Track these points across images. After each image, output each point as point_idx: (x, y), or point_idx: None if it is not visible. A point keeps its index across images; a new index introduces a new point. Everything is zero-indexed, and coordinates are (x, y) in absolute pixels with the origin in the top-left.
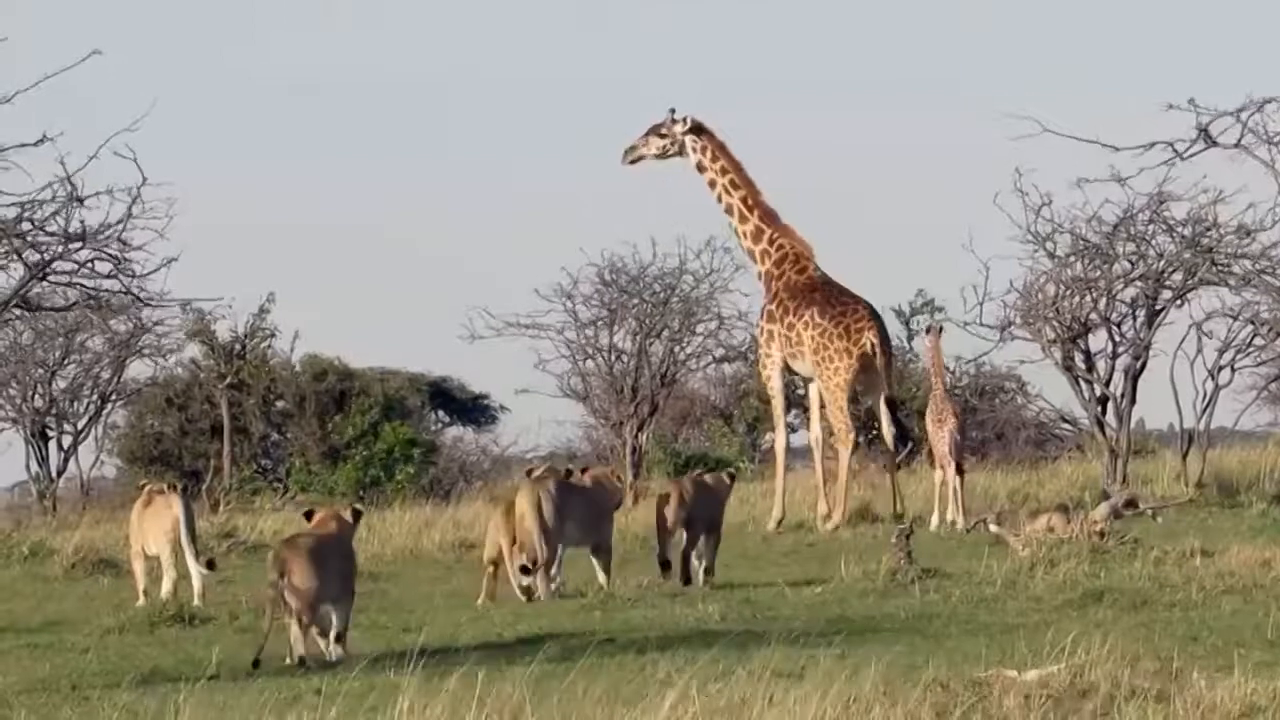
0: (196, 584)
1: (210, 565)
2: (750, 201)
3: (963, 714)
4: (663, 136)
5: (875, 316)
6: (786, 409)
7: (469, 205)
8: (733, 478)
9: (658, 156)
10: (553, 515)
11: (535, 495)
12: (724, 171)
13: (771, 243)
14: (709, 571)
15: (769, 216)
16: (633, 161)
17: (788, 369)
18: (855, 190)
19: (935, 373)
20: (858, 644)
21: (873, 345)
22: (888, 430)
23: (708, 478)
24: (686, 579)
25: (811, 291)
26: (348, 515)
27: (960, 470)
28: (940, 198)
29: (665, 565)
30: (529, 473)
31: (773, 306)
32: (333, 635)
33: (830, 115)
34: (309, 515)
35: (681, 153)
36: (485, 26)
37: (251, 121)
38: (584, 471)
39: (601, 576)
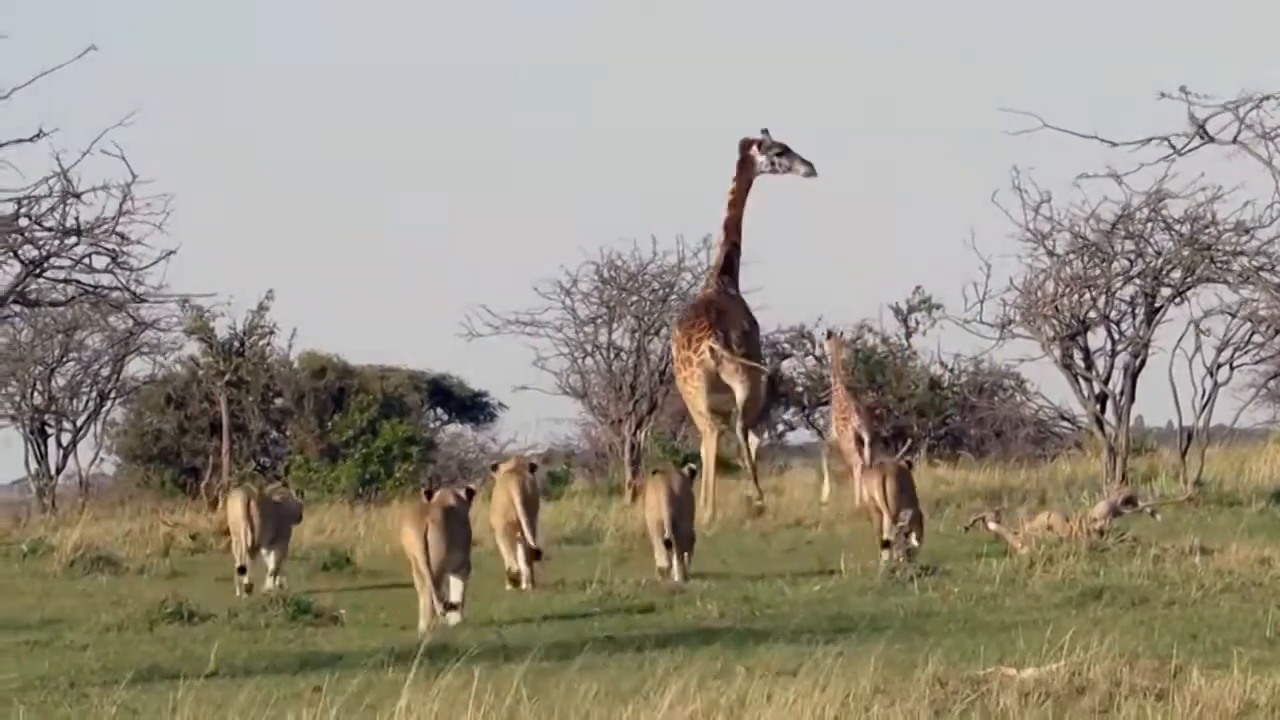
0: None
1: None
2: (728, 222)
3: (961, 711)
4: None
5: (720, 327)
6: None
7: (468, 202)
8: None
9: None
10: (531, 504)
11: (521, 484)
12: (733, 191)
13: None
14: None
15: (727, 232)
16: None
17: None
18: (856, 186)
19: (835, 374)
20: (856, 641)
21: (711, 351)
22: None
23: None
24: (908, 552)
25: (688, 306)
26: (464, 494)
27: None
28: (942, 194)
29: (886, 545)
30: (494, 467)
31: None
32: (451, 601)
33: (830, 109)
34: (429, 494)
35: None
36: (483, 21)
37: (250, 118)
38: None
39: (680, 564)
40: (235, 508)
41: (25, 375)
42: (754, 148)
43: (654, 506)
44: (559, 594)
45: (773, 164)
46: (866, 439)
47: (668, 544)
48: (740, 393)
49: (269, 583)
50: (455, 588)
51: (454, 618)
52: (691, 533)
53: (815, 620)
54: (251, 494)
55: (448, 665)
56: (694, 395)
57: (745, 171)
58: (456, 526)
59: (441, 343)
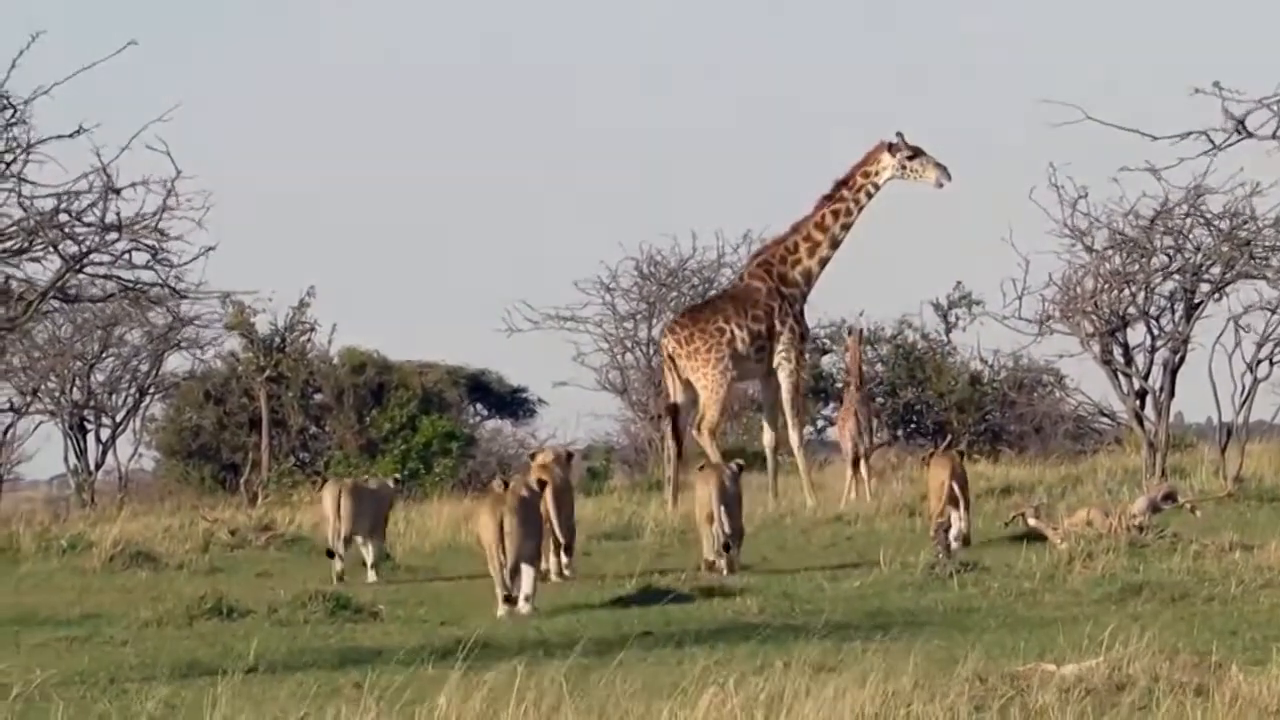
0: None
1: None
2: (807, 218)
3: (1000, 707)
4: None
5: (674, 326)
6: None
7: (508, 197)
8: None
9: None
10: (565, 495)
11: (555, 474)
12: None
13: None
14: (966, 541)
15: (794, 228)
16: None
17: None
18: (896, 184)
19: (851, 371)
20: (896, 637)
21: (665, 352)
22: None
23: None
24: (948, 547)
25: None
26: (535, 485)
27: (858, 464)
28: (983, 190)
29: (946, 531)
30: (531, 456)
31: None
32: (526, 593)
33: (862, 107)
34: (505, 484)
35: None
36: (522, 19)
37: (290, 115)
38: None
39: (728, 558)
40: (327, 499)
41: (65, 371)
42: (886, 150)
43: (704, 500)
44: (598, 589)
45: (903, 167)
46: (864, 442)
47: (725, 546)
48: (696, 391)
49: (370, 575)
50: (527, 577)
51: (527, 608)
52: (740, 526)
53: (854, 616)
54: (343, 485)
55: (488, 661)
56: (665, 384)
57: (858, 171)
58: (531, 517)
59: (481, 338)
